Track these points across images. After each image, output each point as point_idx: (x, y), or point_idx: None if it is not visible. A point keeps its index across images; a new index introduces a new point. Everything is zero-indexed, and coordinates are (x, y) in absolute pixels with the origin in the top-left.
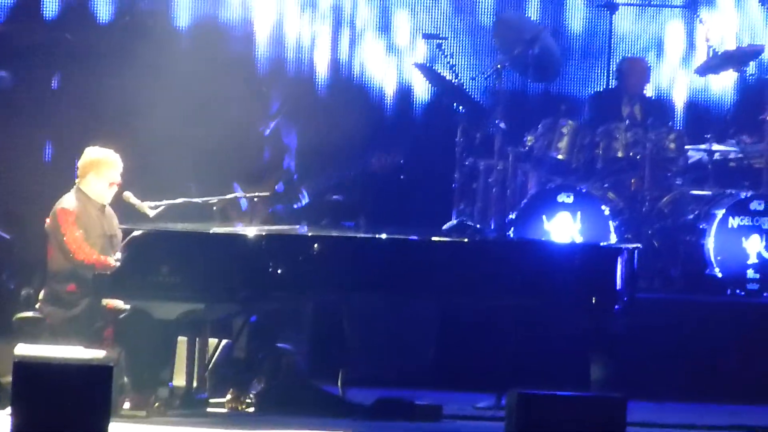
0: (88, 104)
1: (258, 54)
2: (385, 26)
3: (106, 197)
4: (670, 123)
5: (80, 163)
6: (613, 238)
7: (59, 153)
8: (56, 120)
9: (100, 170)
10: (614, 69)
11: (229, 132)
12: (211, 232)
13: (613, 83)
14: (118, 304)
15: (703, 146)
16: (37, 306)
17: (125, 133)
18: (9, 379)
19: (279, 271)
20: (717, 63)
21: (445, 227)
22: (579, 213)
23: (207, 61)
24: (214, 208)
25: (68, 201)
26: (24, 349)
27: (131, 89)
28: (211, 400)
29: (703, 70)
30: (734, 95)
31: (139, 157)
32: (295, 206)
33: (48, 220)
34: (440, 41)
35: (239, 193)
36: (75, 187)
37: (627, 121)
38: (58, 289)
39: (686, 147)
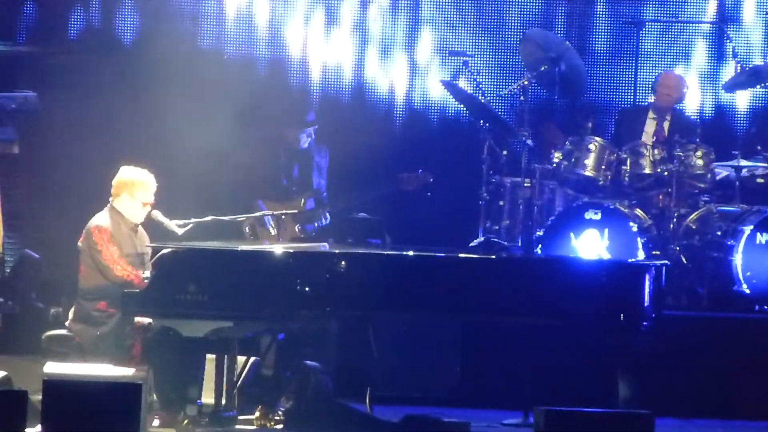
0: (114, 123)
1: (288, 73)
2: (410, 43)
3: (139, 217)
4: (697, 140)
5: (114, 182)
6: (640, 255)
7: (88, 172)
8: (83, 139)
9: (134, 190)
10: (651, 82)
11: (259, 148)
12: (238, 249)
13: (644, 99)
14: (147, 322)
15: (730, 163)
16: (66, 324)
17: (153, 152)
18: (39, 397)
19: (306, 289)
20: (745, 79)
21: (472, 244)
22: (607, 230)
23: (237, 78)
24: (246, 228)
25: (102, 219)
26: (53, 368)
27: (159, 108)
28: (240, 418)
29: (731, 86)
30: (762, 111)
31: (168, 175)
32: (317, 225)
33: (81, 238)
34: (466, 58)
35: (267, 211)
36: (108, 205)
37: (654, 138)
38: (88, 307)
39: (713, 163)
